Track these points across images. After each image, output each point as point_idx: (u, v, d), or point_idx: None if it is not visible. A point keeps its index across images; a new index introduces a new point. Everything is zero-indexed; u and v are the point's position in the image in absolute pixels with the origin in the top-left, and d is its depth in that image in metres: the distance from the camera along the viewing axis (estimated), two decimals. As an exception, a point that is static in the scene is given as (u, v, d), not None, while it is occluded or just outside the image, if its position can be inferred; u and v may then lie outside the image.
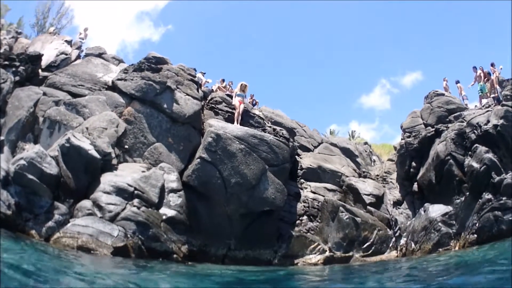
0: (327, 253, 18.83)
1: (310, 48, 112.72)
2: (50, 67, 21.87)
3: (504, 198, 16.66)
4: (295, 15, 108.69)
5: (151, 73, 20.69)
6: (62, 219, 14.15)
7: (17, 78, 18.96)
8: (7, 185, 13.51)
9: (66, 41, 24.93)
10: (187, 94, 20.92)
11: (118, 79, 20.56)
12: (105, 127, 17.94)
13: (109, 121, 18.32)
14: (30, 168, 14.20)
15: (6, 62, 19.00)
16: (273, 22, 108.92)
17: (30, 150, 15.55)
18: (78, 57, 24.56)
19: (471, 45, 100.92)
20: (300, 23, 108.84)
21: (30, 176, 14.08)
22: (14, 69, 19.02)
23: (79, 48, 25.43)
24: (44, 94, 19.00)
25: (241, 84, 22.76)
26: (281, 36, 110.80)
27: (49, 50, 23.11)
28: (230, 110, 21.97)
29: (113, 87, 20.53)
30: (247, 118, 21.79)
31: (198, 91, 22.02)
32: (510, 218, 16.03)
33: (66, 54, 23.29)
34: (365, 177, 24.74)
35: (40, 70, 21.05)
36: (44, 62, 21.69)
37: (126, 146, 18.53)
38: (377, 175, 25.73)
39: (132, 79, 20.30)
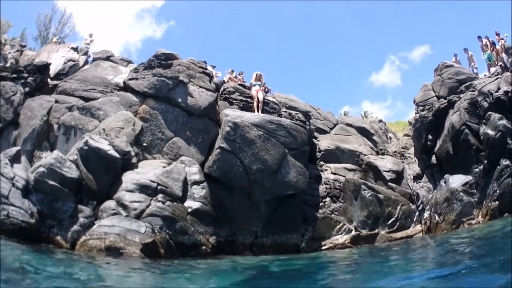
0: (353, 232, 18.86)
1: (315, 31, 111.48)
2: (59, 75, 21.79)
3: None
4: (301, 2, 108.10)
5: (162, 69, 20.62)
6: (87, 222, 14.16)
7: (27, 89, 18.95)
8: (28, 194, 13.55)
9: (72, 48, 24.81)
10: (200, 87, 20.86)
11: (130, 79, 20.52)
12: (122, 126, 17.89)
13: (125, 120, 18.27)
14: (50, 174, 14.17)
15: (14, 75, 18.96)
16: (276, 9, 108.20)
17: (48, 157, 15.49)
18: (86, 62, 24.51)
19: (477, 13, 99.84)
20: (304, 5, 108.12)
21: (51, 182, 14.06)
22: (23, 80, 18.99)
23: (86, 54, 25.38)
24: (56, 101, 19.01)
25: (256, 74, 22.68)
26: (285, 22, 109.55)
27: (56, 58, 23.04)
28: (244, 99, 21.90)
29: (125, 88, 20.50)
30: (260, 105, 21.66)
31: (210, 82, 21.97)
32: (529, 182, 16.00)
33: (74, 61, 23.20)
34: (383, 154, 24.66)
35: (49, 79, 21.02)
36: (52, 71, 21.63)
37: (145, 144, 18.49)
38: (395, 152, 25.67)
39: (143, 77, 20.27)
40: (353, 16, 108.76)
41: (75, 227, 13.81)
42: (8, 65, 20.44)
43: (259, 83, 22.36)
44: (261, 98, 21.28)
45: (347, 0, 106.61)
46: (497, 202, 16.69)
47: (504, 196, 16.43)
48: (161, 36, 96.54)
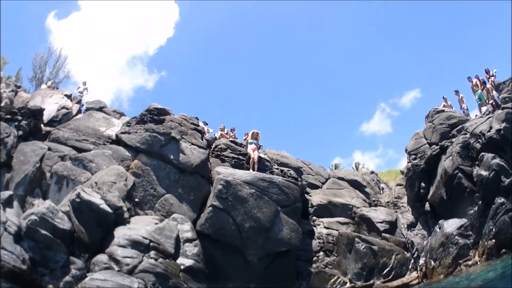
0: (348, 285, 18.89)
1: (305, 83, 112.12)
2: (52, 122, 21.88)
3: None
4: (289, 49, 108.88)
5: (154, 124, 20.73)
6: (79, 274, 13.98)
7: (20, 132, 18.96)
8: (20, 240, 13.40)
9: (65, 95, 24.96)
10: (192, 144, 20.88)
11: (122, 133, 20.52)
12: (114, 181, 17.80)
13: (118, 175, 18.20)
14: (42, 223, 14.03)
15: (8, 116, 18.97)
16: (266, 61, 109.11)
17: (40, 205, 15.35)
18: (79, 111, 24.61)
19: (467, 54, 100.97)
20: (294, 58, 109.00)
21: (43, 232, 13.90)
22: (16, 123, 19.03)
23: (79, 102, 25.48)
24: (49, 149, 18.90)
25: (253, 132, 22.99)
26: (275, 73, 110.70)
27: (50, 104, 23.14)
28: (235, 156, 21.95)
29: (118, 141, 20.48)
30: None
31: (202, 139, 22.02)
32: (526, 217, 16.30)
33: (67, 109, 23.30)
34: (376, 205, 24.64)
35: (42, 125, 21.03)
36: (46, 116, 21.70)
37: (137, 199, 18.34)
38: (388, 202, 25.71)
39: (136, 132, 20.31)
40: (341, 65, 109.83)
41: (67, 278, 13.65)
42: (2, 104, 20.31)
43: (255, 141, 22.53)
44: (256, 158, 21.35)
45: (335, 50, 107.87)
46: (493, 241, 16.82)
47: (501, 234, 16.60)
48: (152, 86, 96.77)
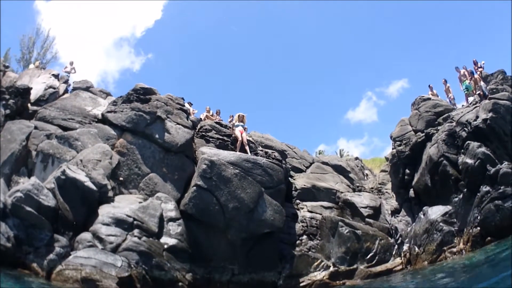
0: (332, 269, 18.91)
1: (292, 69, 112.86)
2: (39, 101, 21.93)
3: (502, 187, 17.12)
4: (276, 36, 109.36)
5: (140, 103, 20.79)
6: (63, 252, 13.89)
7: (7, 111, 18.98)
8: (5, 218, 13.37)
9: (53, 75, 25.08)
10: (178, 123, 21.00)
11: (108, 112, 20.56)
12: (99, 159, 17.86)
13: (103, 153, 18.25)
14: (27, 200, 14.02)
15: (-4, 95, 18.87)
16: (253, 45, 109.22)
17: (25, 183, 15.30)
18: (66, 91, 24.65)
19: (455, 45, 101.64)
20: (282, 43, 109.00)
21: (28, 208, 13.88)
22: (4, 102, 19.08)
23: (66, 82, 25.52)
24: (36, 127, 18.90)
25: (239, 115, 23.24)
26: (262, 58, 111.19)
27: (37, 84, 23.23)
28: (220, 137, 22.11)
29: (104, 120, 20.50)
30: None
31: (188, 119, 22.12)
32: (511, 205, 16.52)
33: (54, 88, 23.37)
34: (360, 191, 24.79)
35: (29, 104, 21.08)
36: (33, 96, 21.77)
37: (121, 178, 18.39)
38: (372, 188, 25.88)
39: (122, 111, 20.33)
40: (328, 53, 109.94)
41: (51, 256, 13.54)
42: (-9, 84, 20.34)
43: (242, 124, 22.66)
44: (245, 139, 21.61)
45: (323, 37, 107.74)
46: (478, 228, 17.05)
47: (486, 222, 16.80)
48: (139, 68, 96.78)
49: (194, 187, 17.84)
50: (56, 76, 25.23)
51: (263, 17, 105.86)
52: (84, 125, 20.25)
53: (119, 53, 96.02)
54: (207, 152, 19.36)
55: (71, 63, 28.25)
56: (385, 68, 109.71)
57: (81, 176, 16.14)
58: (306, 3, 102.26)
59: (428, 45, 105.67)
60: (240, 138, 21.64)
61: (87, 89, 24.36)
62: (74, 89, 24.31)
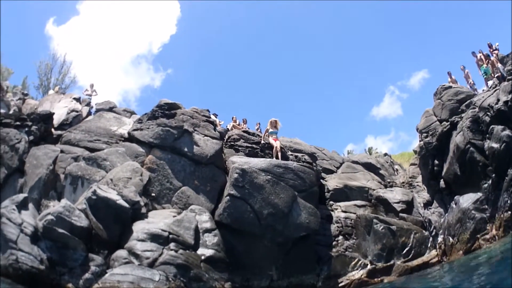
0: (369, 266, 18.67)
1: (312, 71, 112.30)
2: (62, 125, 22.07)
3: None
4: (292, 38, 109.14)
5: (166, 119, 20.84)
6: (99, 270, 14.01)
7: (31, 137, 18.93)
8: (37, 241, 13.48)
9: (74, 98, 25.33)
10: (205, 135, 20.94)
11: (134, 130, 20.66)
12: (129, 176, 17.88)
13: (133, 171, 18.28)
14: (59, 222, 14.13)
15: (18, 123, 19.01)
16: (270, 50, 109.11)
17: (56, 206, 15.36)
18: (89, 113, 24.85)
19: (472, 31, 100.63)
20: (298, 47, 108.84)
21: (60, 230, 14.02)
22: (27, 129, 19.04)
23: (88, 104, 25.78)
24: (62, 151, 18.96)
25: (271, 121, 22.77)
26: (281, 63, 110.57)
27: (59, 109, 23.35)
28: (249, 145, 22.07)
29: (130, 138, 20.60)
30: (268, 150, 22.06)
31: (215, 131, 22.04)
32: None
33: (77, 111, 23.53)
34: (391, 186, 24.53)
35: (53, 129, 21.07)
36: (56, 121, 21.83)
37: (153, 194, 18.40)
38: (403, 182, 25.67)
39: (148, 128, 20.41)
40: (346, 51, 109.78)
41: (87, 275, 13.70)
42: (11, 112, 20.35)
43: (276, 130, 22.52)
44: (279, 147, 21.46)
45: (339, 37, 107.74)
46: (509, 212, 16.80)
47: None
48: (159, 84, 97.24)
49: (228, 197, 17.72)
50: (78, 100, 25.45)
51: (279, 21, 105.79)
52: (111, 145, 20.30)
53: (137, 70, 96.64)
54: (237, 161, 19.19)
55: (92, 86, 28.50)
56: (404, 61, 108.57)
57: (112, 195, 16.13)
58: (325, 3, 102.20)
59: (444, 33, 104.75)
60: (274, 146, 21.54)
61: (111, 109, 24.53)
62: (97, 110, 24.55)
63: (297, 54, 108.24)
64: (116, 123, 22.64)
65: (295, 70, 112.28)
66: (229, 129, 24.96)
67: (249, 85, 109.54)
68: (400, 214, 20.92)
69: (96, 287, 13.41)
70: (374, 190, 23.30)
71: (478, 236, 17.46)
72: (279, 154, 21.20)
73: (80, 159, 18.80)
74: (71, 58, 49.28)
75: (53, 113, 21.42)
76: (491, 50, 25.00)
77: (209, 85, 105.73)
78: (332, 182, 23.70)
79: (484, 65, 25.17)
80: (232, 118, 27.28)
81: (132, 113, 25.16)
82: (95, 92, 28.31)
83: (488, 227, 17.52)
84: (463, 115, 21.36)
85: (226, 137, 22.71)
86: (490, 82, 23.59)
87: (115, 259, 14.60)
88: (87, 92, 28.05)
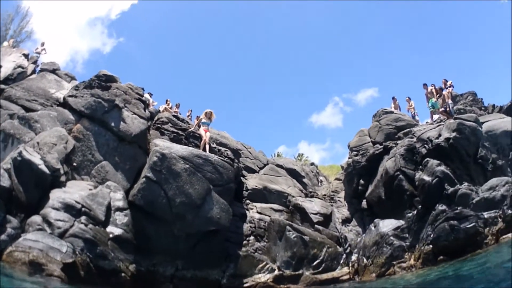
0: (276, 272, 19.17)
1: (260, 68, 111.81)
2: (7, 80, 22.28)
3: (459, 208, 17.36)
4: (245, 33, 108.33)
5: (101, 90, 21.21)
6: (14, 233, 14.23)
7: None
8: None
9: (23, 54, 25.56)
10: (134, 113, 21.44)
11: (69, 96, 20.96)
12: (55, 142, 18.23)
13: (59, 137, 18.61)
14: (-17, 178, 14.29)
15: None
16: (224, 41, 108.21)
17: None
18: (34, 71, 25.08)
19: (433, 60, 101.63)
20: (249, 41, 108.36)
21: (-16, 187, 14.15)
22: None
23: (35, 62, 26.02)
24: (0, 106, 19.40)
25: (206, 112, 22.94)
26: (232, 55, 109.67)
27: (7, 62, 23.53)
28: (175, 130, 22.60)
29: (64, 104, 20.98)
30: (192, 138, 22.54)
31: (145, 110, 22.50)
32: (468, 226, 16.59)
33: (23, 68, 23.83)
34: (312, 196, 25.20)
35: (-3, 82, 21.23)
36: (2, 74, 22.13)
37: (75, 164, 18.82)
38: (325, 195, 26.20)
39: (82, 96, 20.73)
40: (298, 55, 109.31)
41: (3, 237, 13.91)
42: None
43: (209, 122, 22.78)
44: (207, 139, 21.90)
45: (295, 38, 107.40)
46: (431, 246, 17.15)
47: (439, 240, 16.92)
48: (109, 51, 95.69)
49: (144, 179, 18.28)
50: (26, 56, 25.73)
51: (239, 13, 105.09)
52: (46, 107, 20.67)
53: (91, 32, 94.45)
54: (159, 144, 19.57)
55: (42, 44, 28.90)
56: (356, 75, 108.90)
57: (36, 159, 16.50)
58: (284, 3, 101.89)
59: (404, 56, 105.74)
60: (204, 137, 21.71)
61: (54, 71, 24.79)
62: (42, 70, 24.72)
63: (251, 47, 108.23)
64: (56, 86, 22.99)
65: (245, 63, 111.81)
66: (161, 111, 25.47)
67: (195, 72, 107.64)
68: (316, 226, 21.61)
69: (10, 250, 13.65)
70: (293, 197, 23.96)
71: (395, 262, 18.10)
72: (207, 146, 21.37)
73: (15, 117, 19.16)
74: (33, 12, 48.16)
75: (1, 66, 21.78)
76: (445, 86, 25.68)
77: (156, 63, 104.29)
78: (252, 182, 24.31)
79: (433, 99, 25.84)
80: (166, 100, 27.76)
81: (73, 78, 25.36)
82: (44, 50, 28.61)
83: (406, 256, 18.15)
84: (398, 142, 22.18)
85: (155, 118, 23.17)
86: (435, 116, 24.63)
87: (30, 224, 14.88)
88: (37, 49, 28.28)
